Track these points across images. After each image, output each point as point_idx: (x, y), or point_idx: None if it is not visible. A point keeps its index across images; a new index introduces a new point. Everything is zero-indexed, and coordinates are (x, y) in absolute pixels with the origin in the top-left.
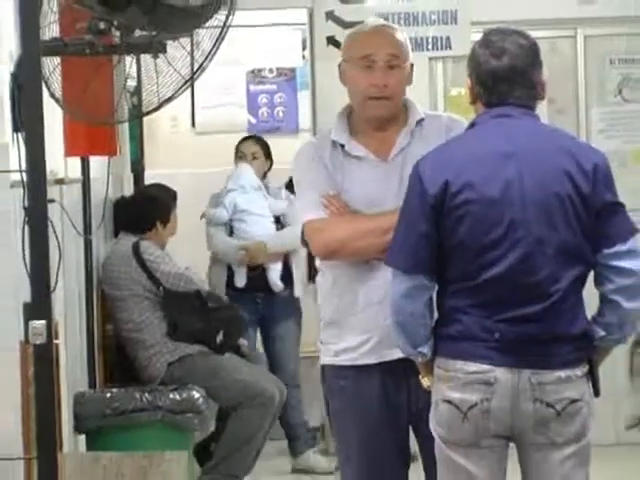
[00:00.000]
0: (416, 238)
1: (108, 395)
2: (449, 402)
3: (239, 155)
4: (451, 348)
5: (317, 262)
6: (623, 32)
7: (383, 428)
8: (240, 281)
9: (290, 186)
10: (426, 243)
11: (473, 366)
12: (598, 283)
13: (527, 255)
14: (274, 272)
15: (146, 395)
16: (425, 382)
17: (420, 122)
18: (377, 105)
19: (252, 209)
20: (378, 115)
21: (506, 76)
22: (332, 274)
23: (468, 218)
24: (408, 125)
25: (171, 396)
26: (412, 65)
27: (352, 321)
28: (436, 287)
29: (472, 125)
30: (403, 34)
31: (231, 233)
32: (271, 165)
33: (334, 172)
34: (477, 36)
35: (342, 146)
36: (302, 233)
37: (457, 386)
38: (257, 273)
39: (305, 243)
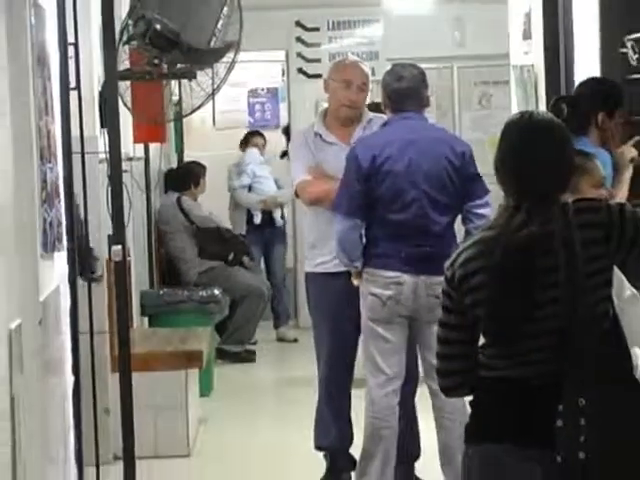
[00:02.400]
0: (352, 194)
1: (161, 292)
2: (374, 295)
3: (253, 143)
4: (375, 262)
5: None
6: (481, 64)
7: (343, 307)
8: (257, 220)
9: (284, 154)
10: (359, 197)
11: (389, 273)
12: (464, 223)
13: (420, 206)
14: (277, 214)
15: (185, 292)
16: (356, 282)
17: (369, 121)
18: (348, 111)
19: (263, 175)
20: (348, 117)
21: (405, 93)
22: (314, 215)
23: (386, 181)
24: (362, 123)
25: (200, 293)
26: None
27: (325, 244)
28: (364, 225)
29: (385, 124)
30: (367, 68)
31: (249, 189)
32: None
33: (315, 151)
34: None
35: (320, 135)
36: (295, 189)
37: (379, 285)
38: (266, 214)
39: (296, 195)
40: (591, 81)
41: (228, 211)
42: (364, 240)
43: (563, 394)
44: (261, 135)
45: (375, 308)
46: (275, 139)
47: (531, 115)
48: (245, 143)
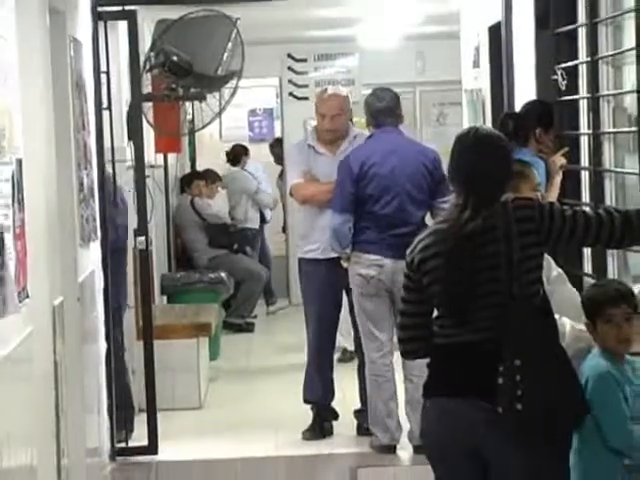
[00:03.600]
0: (346, 194)
1: (177, 275)
2: (359, 274)
3: (247, 155)
4: (362, 247)
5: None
6: (439, 89)
7: (327, 287)
8: (268, 217)
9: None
10: (351, 197)
11: (373, 256)
12: (432, 216)
13: (400, 202)
14: (267, 212)
15: (197, 275)
16: (345, 264)
17: (355, 137)
18: (328, 134)
19: (265, 181)
20: (329, 138)
21: (384, 112)
22: (304, 211)
23: (372, 183)
24: (348, 138)
25: (210, 275)
26: (351, 111)
27: (313, 235)
28: (353, 219)
29: (370, 137)
30: (344, 94)
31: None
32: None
33: (307, 160)
34: (367, 91)
35: (313, 147)
36: (290, 190)
37: (364, 266)
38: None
39: (291, 194)
40: (532, 102)
41: (241, 209)
42: (352, 230)
43: (502, 357)
44: (245, 148)
45: (362, 285)
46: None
47: (476, 130)
48: (239, 156)
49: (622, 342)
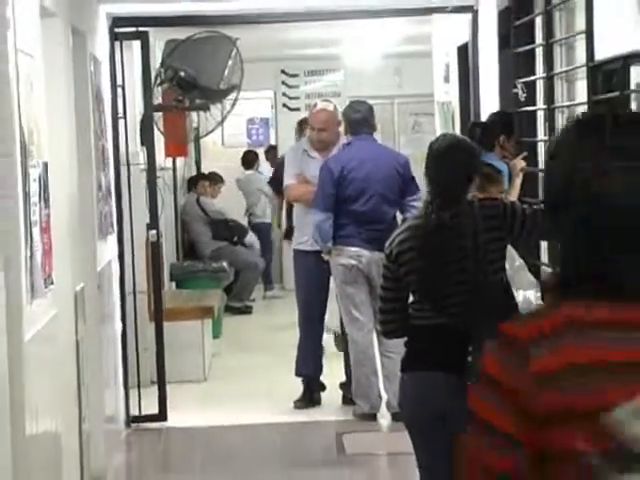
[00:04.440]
0: (327, 195)
1: (184, 264)
2: (341, 264)
3: (256, 159)
4: (342, 241)
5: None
6: (414, 101)
7: (316, 278)
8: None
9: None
10: (332, 197)
11: (353, 248)
12: (402, 213)
13: (376, 202)
14: None
15: (201, 264)
16: (326, 257)
17: (344, 145)
18: (317, 143)
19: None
20: (318, 147)
21: (360, 122)
22: (297, 208)
23: (351, 185)
24: (337, 145)
25: (213, 265)
26: (339, 122)
27: (303, 230)
28: (333, 216)
29: (348, 144)
30: (331, 108)
31: None
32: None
33: (301, 163)
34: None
35: (307, 152)
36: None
37: (345, 257)
38: None
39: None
40: (497, 113)
41: (260, 207)
42: (332, 227)
43: (472, 338)
44: (256, 153)
45: (344, 273)
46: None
47: (444, 138)
48: (251, 160)
49: None
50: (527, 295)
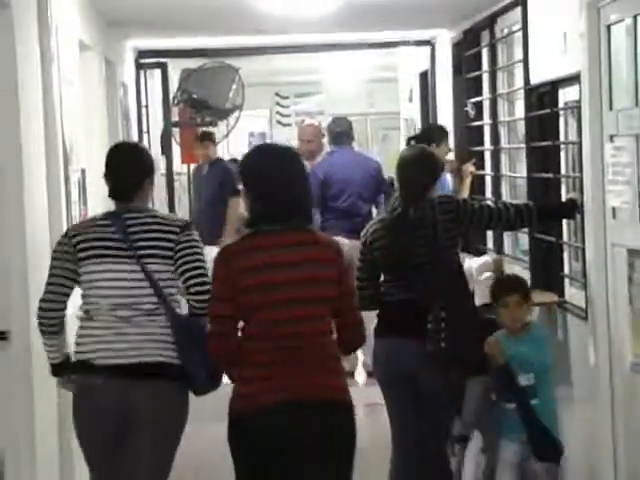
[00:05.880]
0: (315, 195)
1: None
2: None
3: None
4: (327, 232)
5: None
6: (384, 117)
7: None
8: None
9: None
10: (318, 196)
11: (336, 238)
12: (376, 207)
13: (353, 200)
14: None
15: None
16: None
17: (327, 153)
18: (305, 153)
19: None
20: (307, 156)
21: (341, 134)
22: None
23: (334, 186)
24: (322, 154)
25: None
26: (323, 134)
27: None
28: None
29: (331, 153)
30: (317, 123)
31: None
32: None
33: None
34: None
35: None
36: None
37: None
38: None
39: None
40: (427, 127)
41: None
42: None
43: (430, 310)
44: None
45: None
46: None
47: (409, 149)
48: None
49: (514, 322)
50: (470, 263)
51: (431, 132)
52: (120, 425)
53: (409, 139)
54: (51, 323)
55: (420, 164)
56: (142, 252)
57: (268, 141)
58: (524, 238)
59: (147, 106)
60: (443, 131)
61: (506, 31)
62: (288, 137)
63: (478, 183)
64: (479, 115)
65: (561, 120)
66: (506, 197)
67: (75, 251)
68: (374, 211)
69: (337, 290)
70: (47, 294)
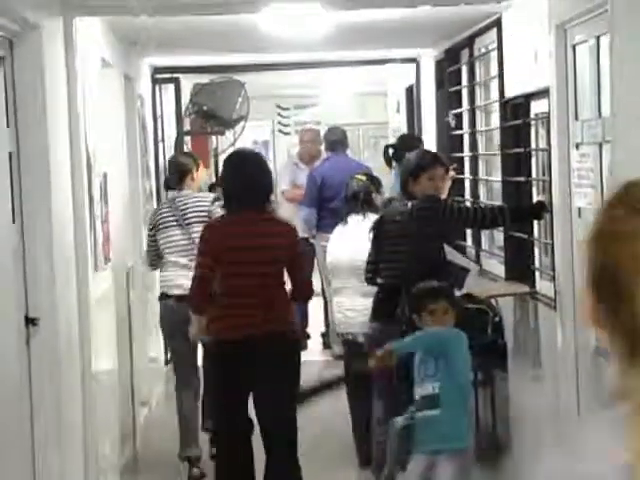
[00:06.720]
0: (312, 196)
1: None
2: (323, 246)
3: None
4: (323, 229)
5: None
6: (374, 127)
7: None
8: None
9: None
10: (317, 198)
11: (330, 235)
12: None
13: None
14: None
15: None
16: (311, 240)
17: (324, 159)
18: (305, 156)
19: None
20: (306, 160)
21: (336, 142)
22: (289, 207)
23: (330, 189)
24: (320, 159)
25: None
26: (321, 141)
27: (295, 221)
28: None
29: (327, 159)
30: (316, 129)
31: None
32: None
33: (292, 173)
34: None
35: (297, 164)
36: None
37: (325, 241)
38: None
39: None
40: (402, 136)
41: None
42: (316, 219)
43: (402, 294)
44: None
45: (324, 252)
46: None
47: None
48: None
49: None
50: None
51: (405, 140)
52: None
53: (386, 147)
54: None
55: (405, 166)
56: None
57: (271, 148)
58: (499, 235)
59: (162, 117)
60: (418, 140)
61: (483, 50)
62: (288, 144)
63: (458, 186)
64: (459, 125)
65: (532, 130)
66: (483, 198)
67: None
68: None
69: (287, 254)
70: None
